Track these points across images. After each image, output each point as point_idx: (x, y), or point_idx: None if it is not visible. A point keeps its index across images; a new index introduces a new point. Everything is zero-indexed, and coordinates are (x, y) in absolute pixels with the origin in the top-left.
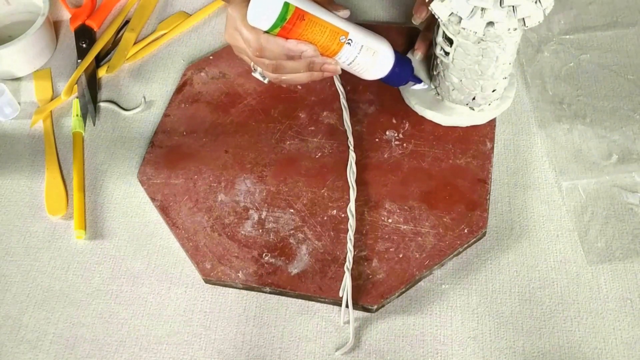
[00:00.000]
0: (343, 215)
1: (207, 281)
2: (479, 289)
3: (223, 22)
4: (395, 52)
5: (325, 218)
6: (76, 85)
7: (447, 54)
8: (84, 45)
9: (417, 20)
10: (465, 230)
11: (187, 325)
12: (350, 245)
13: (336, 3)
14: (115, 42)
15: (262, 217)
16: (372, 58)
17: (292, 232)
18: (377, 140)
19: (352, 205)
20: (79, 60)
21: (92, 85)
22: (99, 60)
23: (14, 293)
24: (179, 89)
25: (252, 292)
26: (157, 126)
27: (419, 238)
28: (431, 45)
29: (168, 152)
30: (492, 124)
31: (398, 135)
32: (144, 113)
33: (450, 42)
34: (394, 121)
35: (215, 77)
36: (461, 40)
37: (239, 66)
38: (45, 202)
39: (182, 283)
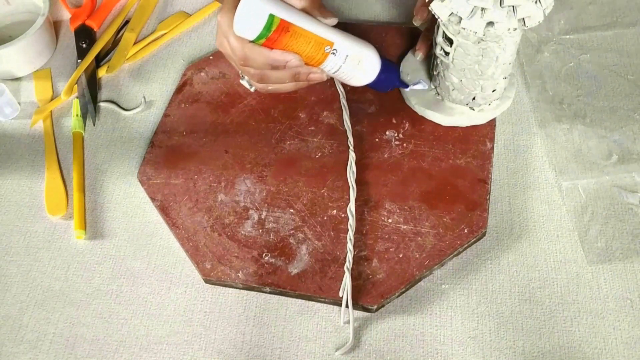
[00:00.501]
0: (343, 215)
1: (207, 281)
2: (479, 289)
3: None
4: (382, 58)
5: (325, 218)
6: (76, 85)
7: (447, 54)
8: (84, 45)
9: (418, 21)
10: (465, 230)
11: (187, 325)
12: (350, 245)
13: (325, 8)
14: (115, 42)
15: (262, 217)
16: (357, 66)
17: (292, 232)
18: (377, 140)
19: (352, 205)
20: (79, 60)
21: (92, 85)
22: (99, 60)
23: (14, 293)
24: (179, 89)
25: (252, 292)
26: (157, 126)
27: (419, 238)
28: (432, 45)
29: (168, 152)
30: (492, 124)
31: (398, 135)
32: (144, 113)
33: (450, 42)
34: (394, 121)
35: (215, 77)
36: (461, 40)
37: None
38: (45, 202)
39: (182, 283)
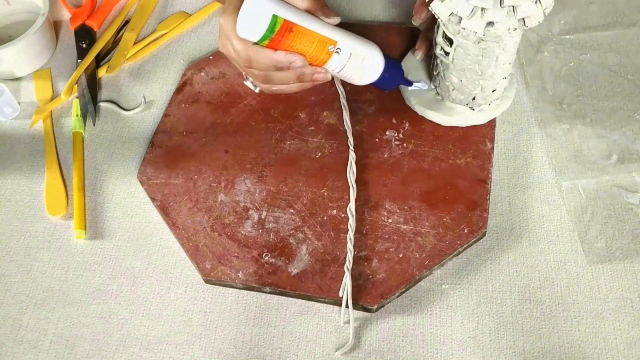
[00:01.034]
0: (343, 215)
1: (207, 281)
2: (479, 289)
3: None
4: (386, 56)
5: (325, 218)
6: (76, 85)
7: (447, 54)
8: (84, 45)
9: (417, 21)
10: (465, 230)
11: (187, 325)
12: (350, 245)
13: (328, 7)
14: (115, 42)
15: (262, 217)
16: (361, 65)
17: (292, 232)
18: (377, 140)
19: (352, 205)
20: (79, 60)
21: (92, 85)
22: (99, 60)
23: (14, 293)
24: (179, 89)
25: (252, 292)
26: (157, 126)
27: (419, 238)
28: (432, 45)
29: (168, 152)
30: (492, 124)
31: (398, 135)
32: (144, 113)
33: (450, 42)
34: (394, 121)
35: (215, 77)
36: (461, 40)
37: None
38: (45, 202)
39: (182, 283)
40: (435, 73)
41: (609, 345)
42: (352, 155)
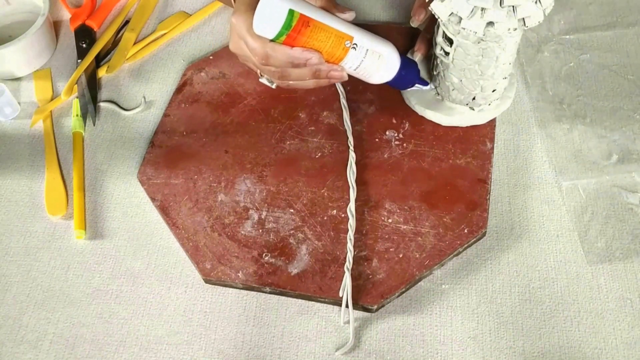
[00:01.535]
0: (343, 215)
1: (207, 281)
2: (479, 289)
3: (223, 22)
4: (401, 54)
5: (325, 218)
6: (76, 85)
7: (447, 54)
8: (84, 45)
9: (416, 22)
10: (465, 230)
11: (187, 325)
12: (350, 245)
13: (340, 5)
14: (115, 42)
15: (262, 217)
16: (377, 61)
17: (292, 232)
18: (377, 140)
19: (352, 205)
20: (79, 60)
21: (92, 85)
22: (99, 60)
23: (14, 293)
24: (179, 89)
25: (252, 292)
26: (157, 126)
27: (419, 238)
28: (431, 45)
29: (168, 152)
30: (492, 124)
31: (398, 135)
32: (144, 113)
33: (450, 42)
34: (394, 121)
35: (215, 77)
36: (461, 40)
37: (239, 66)
38: (45, 202)
39: (182, 283)
40: (435, 73)
41: (609, 345)
42: (352, 155)
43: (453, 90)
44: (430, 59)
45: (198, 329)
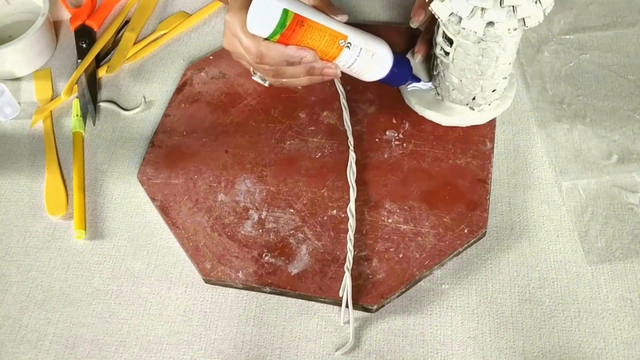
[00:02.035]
0: (343, 215)
1: (207, 281)
2: (479, 289)
3: (223, 22)
4: (394, 52)
5: (325, 218)
6: (76, 85)
7: (447, 54)
8: (84, 45)
9: (415, 23)
10: (465, 230)
11: (187, 325)
12: (350, 245)
13: (334, 7)
14: (115, 42)
15: (262, 217)
16: (371, 60)
17: (292, 232)
18: (377, 140)
19: (352, 205)
20: (79, 60)
21: (92, 85)
22: (99, 60)
23: (14, 293)
24: (179, 89)
25: (252, 292)
26: (157, 126)
27: (419, 238)
28: (431, 46)
29: (168, 152)
30: (492, 124)
31: (398, 135)
32: (144, 113)
33: (450, 42)
34: (394, 121)
35: (215, 77)
36: (461, 40)
37: (239, 66)
38: (45, 202)
39: (182, 283)
40: (435, 73)
41: (609, 345)
42: (352, 155)
43: (453, 90)
44: (430, 59)
45: (198, 329)
